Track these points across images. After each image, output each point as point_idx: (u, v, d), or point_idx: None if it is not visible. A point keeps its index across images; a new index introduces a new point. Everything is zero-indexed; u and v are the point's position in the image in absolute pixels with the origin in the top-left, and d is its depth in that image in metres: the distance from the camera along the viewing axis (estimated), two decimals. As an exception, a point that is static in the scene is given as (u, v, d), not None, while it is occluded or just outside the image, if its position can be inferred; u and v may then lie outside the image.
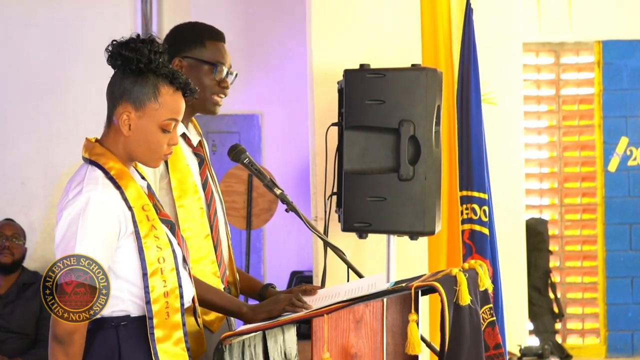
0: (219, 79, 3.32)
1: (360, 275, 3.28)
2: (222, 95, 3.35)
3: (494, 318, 3.14)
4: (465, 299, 2.85)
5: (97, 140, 2.85)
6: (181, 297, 2.80)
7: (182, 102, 2.83)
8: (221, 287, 3.25)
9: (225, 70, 3.33)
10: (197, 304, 2.95)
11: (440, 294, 2.77)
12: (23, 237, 5.97)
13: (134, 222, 2.74)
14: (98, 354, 2.72)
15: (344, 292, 2.96)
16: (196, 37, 3.34)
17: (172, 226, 2.87)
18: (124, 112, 2.77)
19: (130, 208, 2.74)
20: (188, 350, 2.80)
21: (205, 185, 3.29)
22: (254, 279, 3.49)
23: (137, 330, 2.74)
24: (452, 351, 2.82)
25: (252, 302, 3.28)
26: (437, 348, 3.14)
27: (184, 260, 2.86)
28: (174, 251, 2.80)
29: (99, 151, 2.80)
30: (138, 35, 2.80)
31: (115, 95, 2.79)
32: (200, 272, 3.16)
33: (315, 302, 2.97)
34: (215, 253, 3.26)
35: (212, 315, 3.23)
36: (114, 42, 2.79)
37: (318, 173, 4.69)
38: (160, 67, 2.78)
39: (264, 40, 7.28)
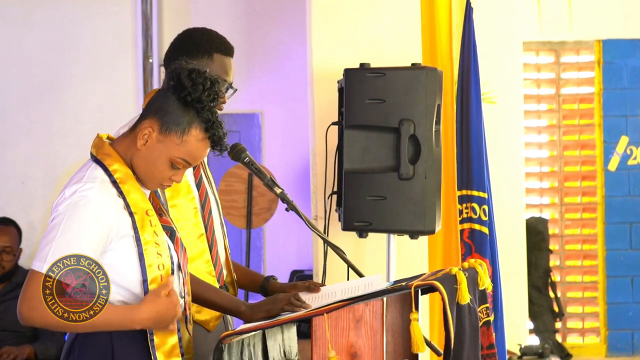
0: None
1: (360, 275, 3.27)
2: (218, 110, 3.33)
3: (490, 318, 3.14)
4: (466, 297, 2.86)
5: (108, 139, 2.83)
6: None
7: (205, 152, 2.78)
8: (217, 286, 3.23)
9: (225, 86, 3.29)
10: (188, 312, 2.90)
11: (441, 293, 2.77)
12: (17, 244, 5.87)
13: (135, 227, 2.72)
14: (91, 355, 2.71)
15: (340, 291, 2.95)
16: (205, 47, 3.27)
17: (172, 232, 2.85)
18: (149, 127, 2.74)
19: (131, 214, 2.72)
20: (182, 355, 2.79)
21: (199, 185, 3.28)
22: (254, 272, 3.47)
23: (130, 331, 2.72)
24: (455, 350, 2.81)
25: (253, 296, 3.27)
26: (438, 347, 3.15)
27: (179, 267, 2.83)
28: (171, 257, 2.79)
29: (107, 151, 2.77)
30: (206, 71, 2.76)
31: (152, 108, 2.76)
32: (194, 272, 3.15)
33: (312, 301, 2.97)
34: (211, 253, 3.25)
35: (207, 315, 3.21)
36: (183, 61, 2.77)
37: (318, 172, 4.69)
38: (204, 110, 2.73)
39: (264, 40, 7.28)
